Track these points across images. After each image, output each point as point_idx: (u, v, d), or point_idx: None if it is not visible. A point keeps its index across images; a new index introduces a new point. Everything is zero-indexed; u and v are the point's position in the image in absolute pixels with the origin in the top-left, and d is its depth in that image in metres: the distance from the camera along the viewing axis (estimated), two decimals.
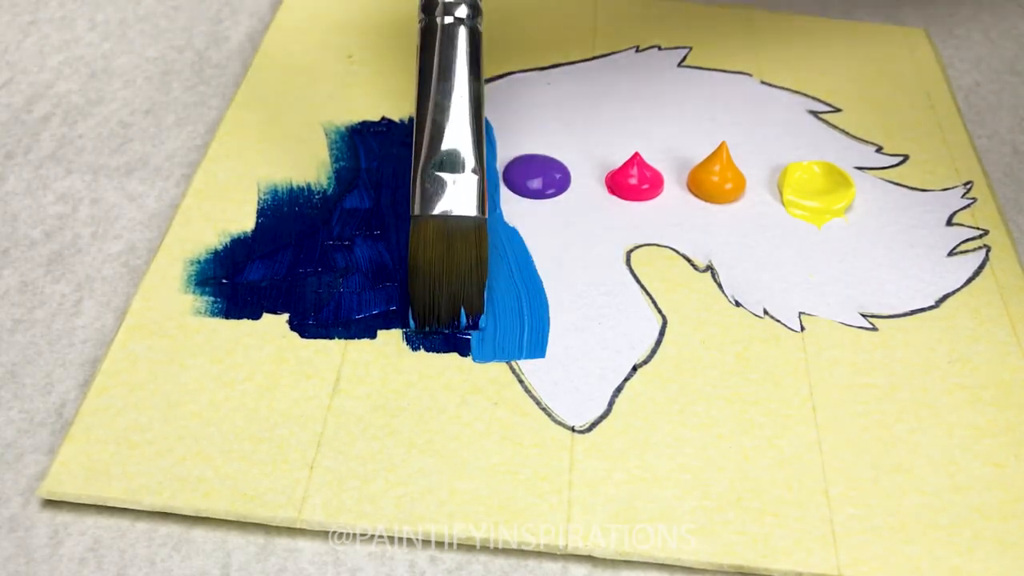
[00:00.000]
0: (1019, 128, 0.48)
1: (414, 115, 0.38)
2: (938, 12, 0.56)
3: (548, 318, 0.37)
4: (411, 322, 0.36)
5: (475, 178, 0.37)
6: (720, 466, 0.33)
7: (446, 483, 0.32)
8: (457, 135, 0.37)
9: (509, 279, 0.39)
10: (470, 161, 0.37)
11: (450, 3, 0.39)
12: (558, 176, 0.43)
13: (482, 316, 0.36)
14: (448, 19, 0.39)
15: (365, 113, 0.46)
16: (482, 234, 0.36)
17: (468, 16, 0.39)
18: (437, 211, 0.36)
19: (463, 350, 0.36)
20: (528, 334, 0.37)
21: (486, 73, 0.48)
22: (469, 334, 0.36)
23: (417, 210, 0.36)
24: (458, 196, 0.36)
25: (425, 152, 0.37)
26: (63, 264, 0.39)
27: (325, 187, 0.42)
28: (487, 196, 0.37)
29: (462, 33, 0.39)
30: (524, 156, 0.44)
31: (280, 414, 0.34)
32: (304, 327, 0.36)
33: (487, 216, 0.37)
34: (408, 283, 0.36)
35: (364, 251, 0.39)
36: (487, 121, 0.46)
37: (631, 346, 0.37)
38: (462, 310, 0.36)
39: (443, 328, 0.36)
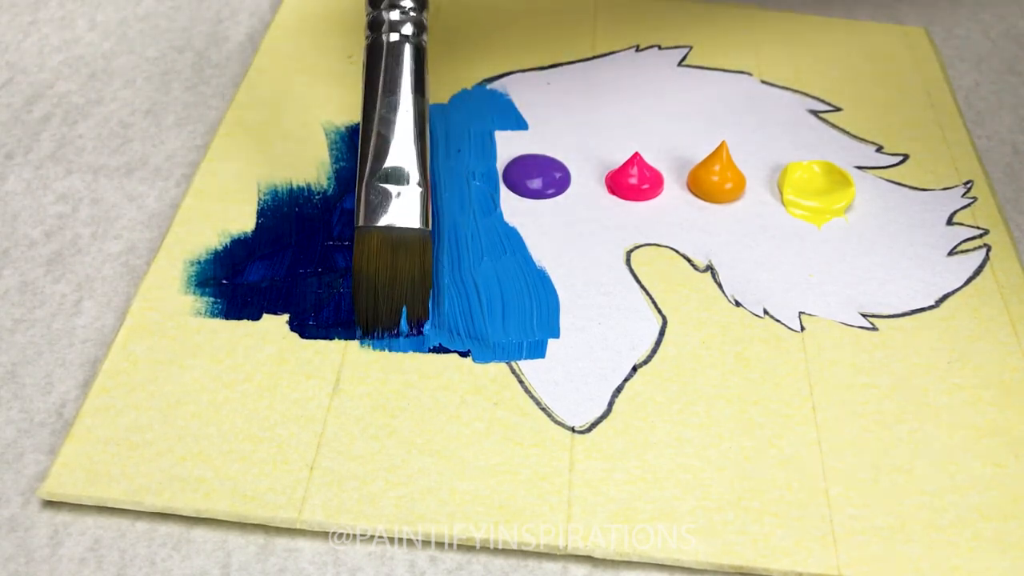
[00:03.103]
0: (1019, 128, 0.48)
1: (360, 129, 0.39)
2: (938, 12, 0.56)
3: (556, 317, 0.37)
4: (357, 330, 0.36)
5: (419, 191, 0.37)
6: (720, 466, 0.33)
7: (446, 483, 0.32)
8: (402, 149, 0.37)
9: (520, 279, 0.39)
10: (415, 174, 0.37)
11: (396, 21, 0.39)
12: (558, 176, 0.43)
13: (427, 322, 0.36)
14: (394, 36, 0.39)
15: None
16: (426, 246, 0.36)
17: (413, 34, 0.40)
18: (381, 223, 0.36)
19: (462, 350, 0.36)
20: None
21: (486, 73, 0.48)
22: (460, 350, 0.36)
23: (361, 221, 0.36)
24: (403, 208, 0.36)
25: (370, 164, 0.37)
26: (63, 264, 0.39)
27: (325, 187, 0.42)
28: (431, 209, 0.38)
29: (407, 50, 0.39)
30: (524, 156, 0.44)
31: (280, 414, 0.34)
32: (304, 327, 0.36)
33: (431, 228, 0.37)
34: (352, 292, 0.36)
35: None
36: (487, 123, 0.46)
37: (631, 346, 0.37)
38: (404, 314, 0.36)
39: (387, 333, 0.36)
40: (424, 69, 0.40)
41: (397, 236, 0.36)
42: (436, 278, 0.38)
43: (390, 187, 0.37)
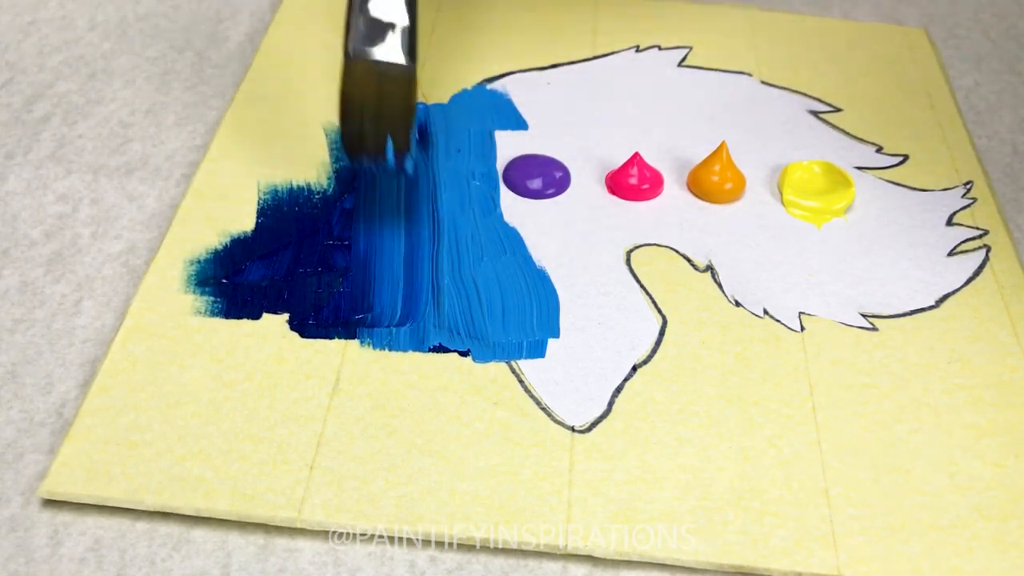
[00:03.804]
0: (1019, 128, 0.48)
1: None
2: (938, 12, 0.56)
3: (555, 318, 0.37)
4: (345, 156, 0.38)
5: (407, 28, 0.38)
6: (720, 466, 0.33)
7: (446, 483, 0.32)
8: None
9: (519, 279, 0.39)
10: (403, 13, 0.38)
11: None
12: (558, 176, 0.43)
13: (408, 156, 0.38)
14: None
15: None
16: (411, 81, 0.37)
17: None
18: (370, 57, 0.37)
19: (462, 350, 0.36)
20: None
21: (486, 73, 0.48)
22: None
23: (351, 49, 0.37)
24: (391, 45, 0.38)
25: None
26: (63, 264, 0.39)
27: (325, 187, 0.42)
28: (416, 47, 0.38)
29: None
30: (524, 156, 0.44)
31: (280, 414, 0.34)
32: (304, 327, 0.36)
33: (416, 66, 0.38)
34: (339, 117, 0.37)
35: None
36: (487, 123, 0.46)
37: (631, 346, 0.37)
38: (389, 144, 0.37)
39: (371, 160, 0.37)
40: None
41: (384, 69, 0.37)
42: (436, 277, 0.38)
43: (381, 19, 0.38)
